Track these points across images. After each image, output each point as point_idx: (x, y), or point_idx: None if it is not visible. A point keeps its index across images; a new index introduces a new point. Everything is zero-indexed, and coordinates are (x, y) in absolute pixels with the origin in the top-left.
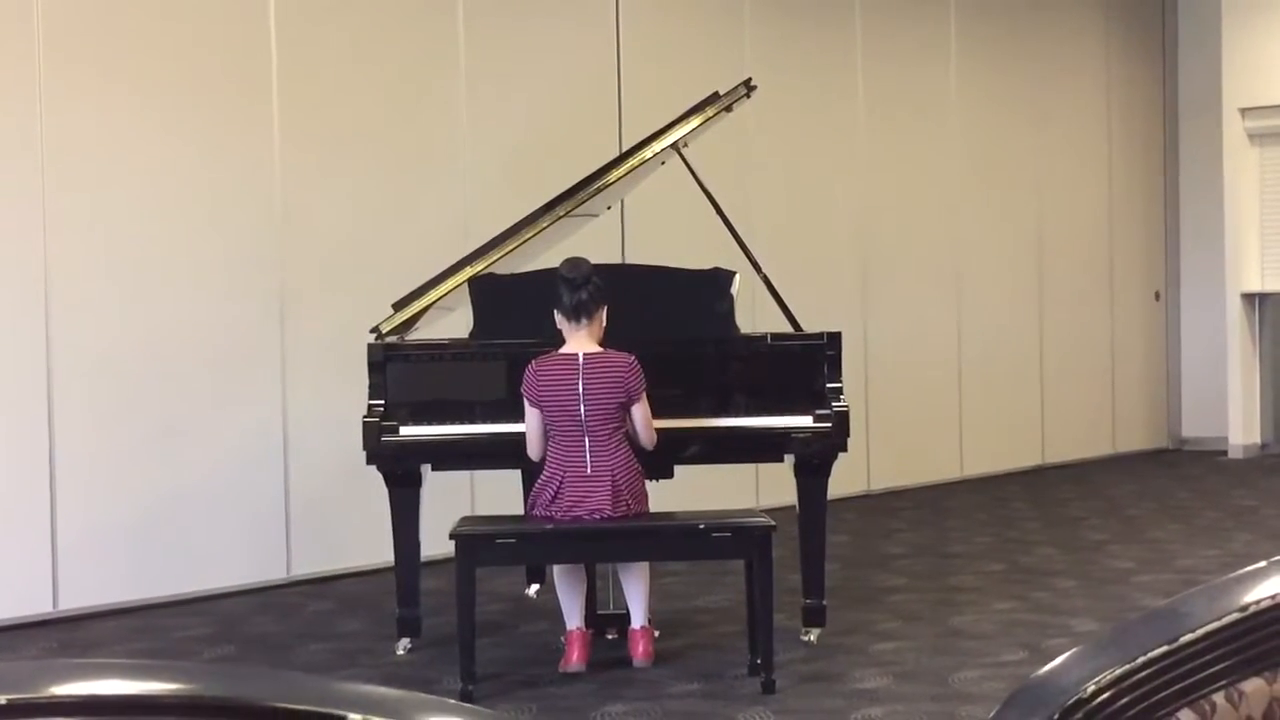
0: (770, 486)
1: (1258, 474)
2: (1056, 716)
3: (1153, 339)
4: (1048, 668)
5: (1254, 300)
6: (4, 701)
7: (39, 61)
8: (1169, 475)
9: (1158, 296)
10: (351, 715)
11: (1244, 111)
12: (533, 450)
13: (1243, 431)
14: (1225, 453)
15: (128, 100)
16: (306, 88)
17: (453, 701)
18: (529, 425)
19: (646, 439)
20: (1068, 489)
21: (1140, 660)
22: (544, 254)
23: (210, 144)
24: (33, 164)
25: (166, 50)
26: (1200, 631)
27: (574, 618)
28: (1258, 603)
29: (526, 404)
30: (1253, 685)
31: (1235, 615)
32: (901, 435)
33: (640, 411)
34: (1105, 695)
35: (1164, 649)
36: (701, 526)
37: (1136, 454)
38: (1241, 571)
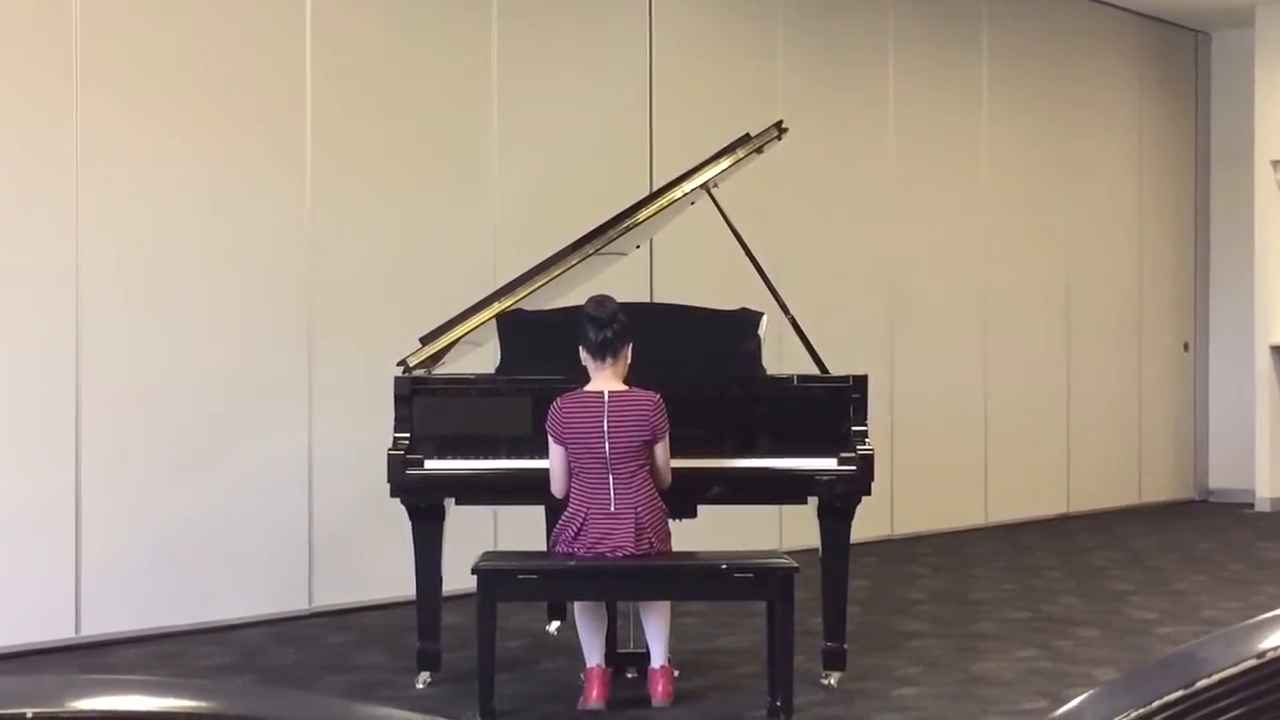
0: (793, 528)
1: None
2: None
3: (1181, 390)
4: (1064, 709)
5: None
6: (30, 715)
7: (74, 91)
8: (1194, 527)
9: (1186, 347)
10: None
11: (1275, 163)
12: (556, 487)
13: (1270, 484)
14: (1252, 505)
15: (160, 131)
16: (339, 120)
17: None
18: (553, 462)
19: (663, 479)
20: (1092, 538)
21: (1156, 704)
22: (572, 291)
23: (242, 174)
24: (65, 192)
25: (200, 82)
26: (1216, 677)
27: (594, 655)
28: (1275, 649)
29: (550, 441)
30: None
31: (1252, 662)
32: (926, 480)
33: (661, 451)
34: None
35: (1180, 694)
36: (723, 567)
37: (1162, 505)
38: (1260, 618)
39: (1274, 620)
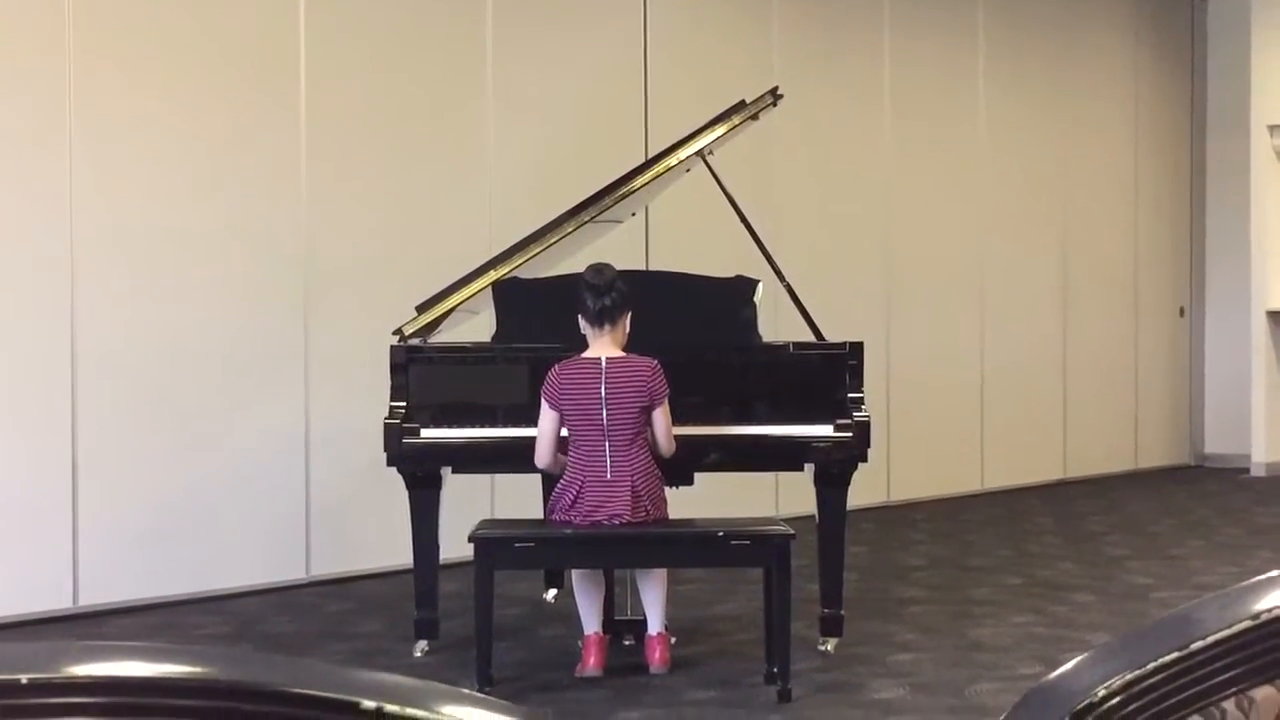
0: (790, 495)
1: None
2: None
3: (1176, 355)
4: (1059, 671)
5: (1279, 318)
6: (24, 681)
7: (69, 60)
8: (1190, 492)
9: (1182, 312)
10: (365, 702)
11: (1272, 128)
12: (541, 455)
13: (1265, 449)
14: (1247, 470)
15: (155, 101)
16: (334, 90)
17: (466, 691)
18: (542, 428)
19: (665, 446)
20: (1088, 504)
21: (1151, 666)
22: (568, 259)
23: (237, 144)
24: (60, 163)
25: (195, 51)
26: (1212, 639)
27: (591, 623)
28: (1270, 611)
29: (544, 406)
30: (1263, 693)
31: (1247, 623)
32: (922, 446)
33: (661, 417)
34: (1116, 700)
35: (1175, 655)
36: (720, 534)
37: (1158, 470)
38: (1255, 580)
39: (1269, 582)
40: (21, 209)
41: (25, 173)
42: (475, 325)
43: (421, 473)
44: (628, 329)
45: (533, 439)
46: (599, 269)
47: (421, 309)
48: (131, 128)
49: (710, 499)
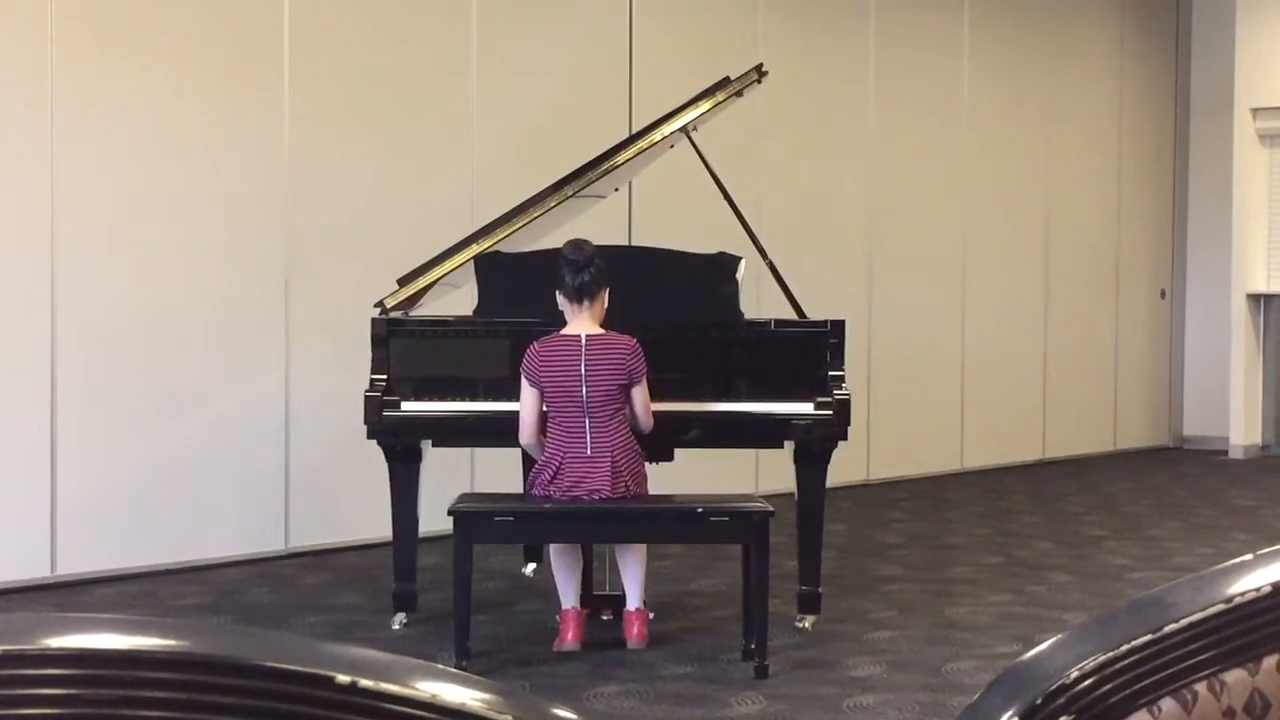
0: (770, 472)
1: (1257, 474)
2: (1040, 700)
3: (1157, 337)
4: (1032, 653)
5: (1259, 301)
6: None
7: (50, 25)
8: (1169, 473)
9: (1163, 294)
10: (339, 676)
11: (1255, 111)
12: (525, 433)
13: (1244, 432)
14: (1226, 452)
15: (138, 68)
16: (318, 60)
17: (440, 666)
18: (524, 406)
19: (644, 423)
20: (1067, 484)
21: (1124, 648)
22: (551, 234)
23: (220, 113)
24: (41, 130)
25: (178, 18)
26: (1185, 622)
27: (569, 597)
28: (1242, 594)
29: (525, 384)
30: (1235, 676)
31: (1220, 606)
32: (902, 425)
33: (639, 395)
34: (1089, 681)
35: (1148, 638)
36: (699, 510)
37: (1137, 451)
38: (1228, 564)
39: (1242, 566)
40: (1, 175)
41: (5, 141)
42: (457, 299)
43: (401, 446)
44: (606, 305)
45: (512, 413)
46: (577, 244)
47: (403, 282)
48: (113, 96)
49: (690, 475)
